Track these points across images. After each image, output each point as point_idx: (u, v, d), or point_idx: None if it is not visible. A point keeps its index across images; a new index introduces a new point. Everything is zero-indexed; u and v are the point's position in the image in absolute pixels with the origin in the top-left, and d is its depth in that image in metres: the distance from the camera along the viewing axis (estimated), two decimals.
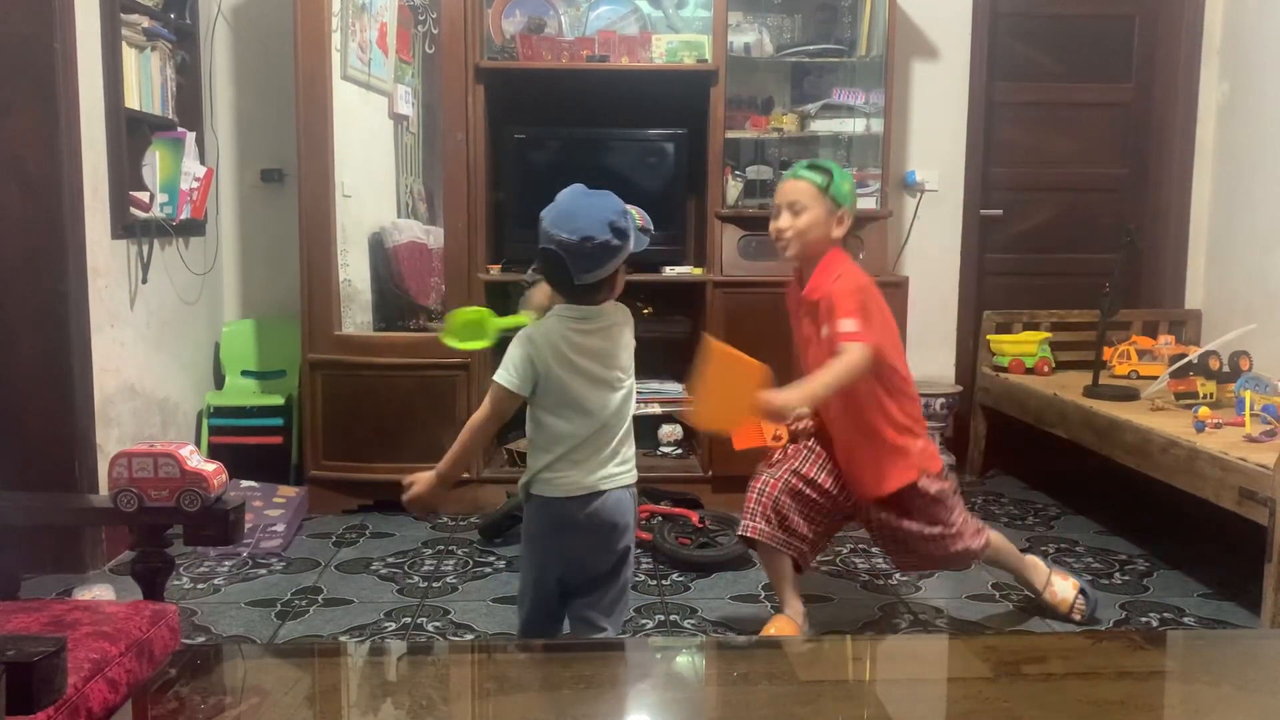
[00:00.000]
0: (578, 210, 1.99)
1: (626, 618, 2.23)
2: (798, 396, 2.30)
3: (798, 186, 2.53)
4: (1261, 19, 3.99)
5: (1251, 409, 3.06)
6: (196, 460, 1.88)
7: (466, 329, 2.21)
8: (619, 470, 2.10)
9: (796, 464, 2.66)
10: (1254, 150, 4.02)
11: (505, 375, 2.03)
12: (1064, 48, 4.39)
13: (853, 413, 2.56)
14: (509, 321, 2.18)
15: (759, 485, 2.66)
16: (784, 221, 2.52)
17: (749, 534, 2.63)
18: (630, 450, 2.14)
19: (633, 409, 2.13)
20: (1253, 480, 2.67)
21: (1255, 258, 3.99)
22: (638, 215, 2.06)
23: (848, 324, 2.42)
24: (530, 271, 2.08)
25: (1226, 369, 3.45)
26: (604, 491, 2.08)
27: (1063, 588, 2.85)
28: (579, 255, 1.96)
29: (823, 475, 2.66)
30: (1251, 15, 4.06)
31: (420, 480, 2.09)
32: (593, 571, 2.12)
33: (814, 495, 2.65)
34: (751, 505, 2.65)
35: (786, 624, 2.66)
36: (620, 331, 2.12)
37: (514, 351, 2.04)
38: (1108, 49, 4.41)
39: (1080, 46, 4.39)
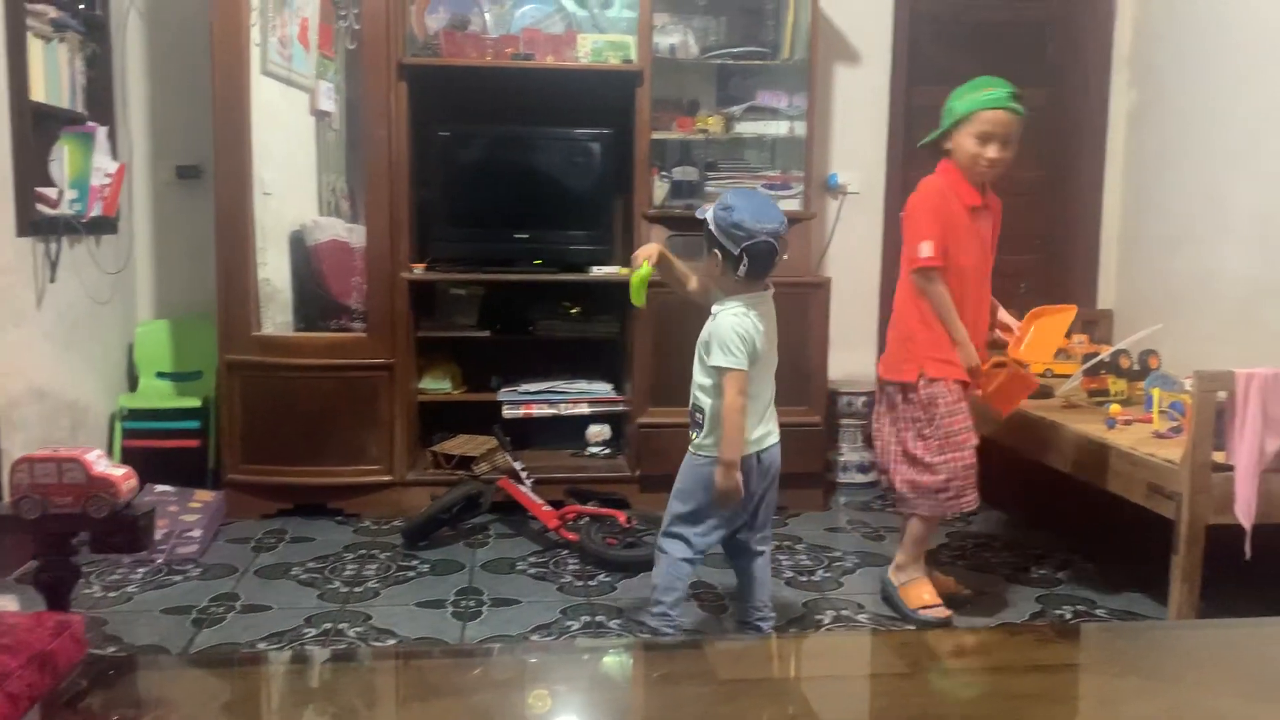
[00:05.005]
0: (763, 204, 2.39)
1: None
2: None
3: (1013, 120, 2.75)
4: (1169, 29, 4.12)
5: (1160, 406, 3.15)
6: (104, 465, 1.82)
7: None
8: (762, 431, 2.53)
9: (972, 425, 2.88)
10: (1162, 156, 4.15)
11: (735, 360, 2.38)
12: (981, 53, 4.46)
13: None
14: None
15: (972, 462, 2.83)
16: (998, 153, 2.76)
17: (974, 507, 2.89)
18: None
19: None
20: (1160, 475, 2.76)
21: (1163, 259, 4.12)
22: None
23: None
24: (721, 264, 2.45)
25: (1137, 367, 3.56)
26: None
27: (929, 592, 2.92)
28: (782, 242, 2.39)
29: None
30: (1160, 25, 4.19)
31: (718, 475, 2.43)
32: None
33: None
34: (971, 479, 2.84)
35: (948, 581, 3.05)
36: None
37: (731, 339, 2.38)
38: (1023, 55, 4.51)
39: (997, 52, 4.47)
